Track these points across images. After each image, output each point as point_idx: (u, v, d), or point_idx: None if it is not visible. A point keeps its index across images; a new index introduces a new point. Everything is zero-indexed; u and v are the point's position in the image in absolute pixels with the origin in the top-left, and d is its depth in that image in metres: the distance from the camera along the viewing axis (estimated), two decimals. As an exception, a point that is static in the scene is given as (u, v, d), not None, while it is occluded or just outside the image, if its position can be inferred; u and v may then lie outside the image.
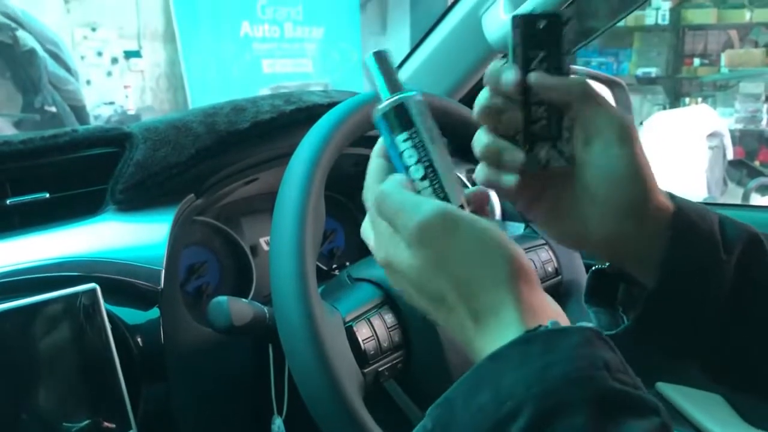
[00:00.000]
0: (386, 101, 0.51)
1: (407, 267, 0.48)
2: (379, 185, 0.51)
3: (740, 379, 0.56)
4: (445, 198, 0.50)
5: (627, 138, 0.50)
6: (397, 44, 9.99)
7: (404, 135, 0.50)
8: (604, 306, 0.59)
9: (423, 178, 0.50)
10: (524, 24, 0.51)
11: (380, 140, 0.54)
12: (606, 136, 0.50)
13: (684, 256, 0.51)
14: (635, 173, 0.51)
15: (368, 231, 0.53)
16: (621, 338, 0.55)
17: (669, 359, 0.56)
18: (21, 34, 4.95)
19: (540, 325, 0.43)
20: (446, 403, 0.43)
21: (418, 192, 0.50)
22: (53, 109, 5.25)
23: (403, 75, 1.27)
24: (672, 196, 0.54)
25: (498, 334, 0.44)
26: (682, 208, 0.53)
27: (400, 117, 0.51)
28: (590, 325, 0.43)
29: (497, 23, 1.07)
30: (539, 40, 0.51)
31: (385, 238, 0.50)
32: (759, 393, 0.57)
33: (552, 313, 0.45)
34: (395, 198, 0.49)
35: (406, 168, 0.50)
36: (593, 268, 0.60)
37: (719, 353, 0.54)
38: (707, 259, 0.52)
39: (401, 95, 0.51)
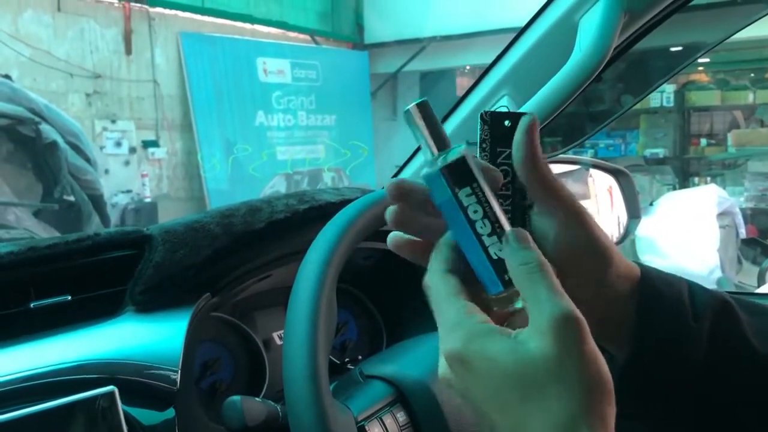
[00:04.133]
0: (444, 156, 0.49)
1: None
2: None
3: None
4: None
5: (578, 216, 0.51)
6: (407, 128, 10.14)
7: (467, 190, 0.48)
8: None
9: (491, 234, 0.48)
10: (492, 121, 0.53)
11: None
12: (559, 217, 0.51)
13: (652, 324, 0.51)
14: (591, 246, 0.51)
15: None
16: None
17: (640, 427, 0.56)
18: (44, 127, 5.12)
19: None
20: None
21: (486, 248, 0.48)
22: (72, 198, 5.36)
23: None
24: (640, 265, 0.54)
25: None
26: (647, 277, 0.53)
27: (463, 171, 0.48)
28: None
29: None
30: (506, 137, 0.52)
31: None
32: None
33: None
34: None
35: (472, 223, 0.48)
36: None
37: (701, 423, 0.53)
38: (676, 327, 0.51)
39: (458, 148, 0.49)
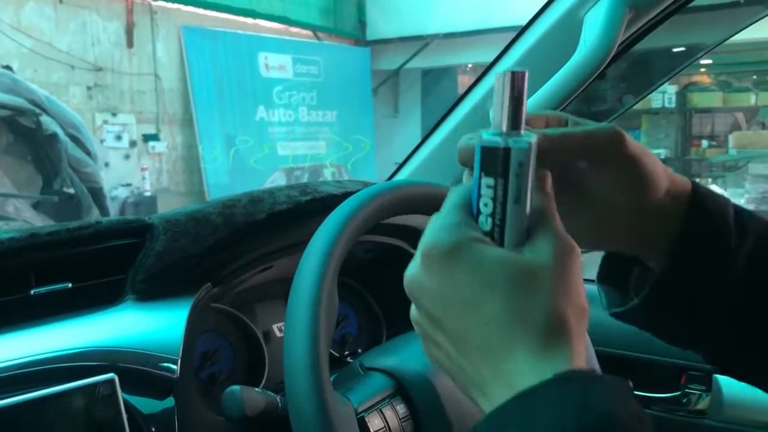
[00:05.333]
0: (494, 137, 0.45)
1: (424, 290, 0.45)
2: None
3: (747, 371, 0.56)
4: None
5: (627, 150, 0.50)
6: (408, 126, 10.21)
7: (490, 181, 0.45)
8: (614, 286, 0.58)
9: (487, 234, 0.45)
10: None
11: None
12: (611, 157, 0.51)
13: (693, 238, 0.52)
14: (644, 178, 0.51)
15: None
16: (626, 317, 0.56)
17: (673, 344, 0.56)
18: (44, 119, 5.11)
19: (577, 369, 0.41)
20: None
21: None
22: (71, 190, 5.35)
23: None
24: (691, 182, 0.54)
25: (527, 371, 0.41)
26: (697, 193, 0.53)
27: (495, 162, 0.45)
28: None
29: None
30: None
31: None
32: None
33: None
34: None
35: (478, 211, 0.46)
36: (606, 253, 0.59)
37: (724, 343, 0.54)
38: (717, 243, 0.52)
39: (513, 140, 0.45)
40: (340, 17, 9.44)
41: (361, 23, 9.56)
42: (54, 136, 5.14)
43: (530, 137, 0.45)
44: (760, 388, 0.56)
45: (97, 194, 5.57)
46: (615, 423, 0.37)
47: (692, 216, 0.52)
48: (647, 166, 0.51)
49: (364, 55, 9.57)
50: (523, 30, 1.14)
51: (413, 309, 0.48)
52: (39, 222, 5.06)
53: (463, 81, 9.91)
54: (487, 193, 0.45)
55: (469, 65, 9.72)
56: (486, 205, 0.45)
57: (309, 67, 8.86)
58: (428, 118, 9.49)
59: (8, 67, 5.53)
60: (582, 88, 1.04)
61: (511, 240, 0.45)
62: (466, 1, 7.96)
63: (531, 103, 1.10)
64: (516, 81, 0.45)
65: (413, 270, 0.46)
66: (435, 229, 0.46)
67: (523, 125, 0.46)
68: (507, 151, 0.44)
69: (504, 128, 0.45)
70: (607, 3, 1.01)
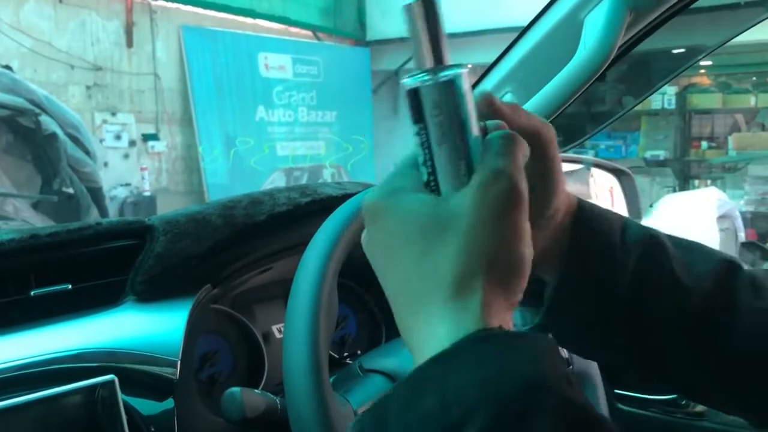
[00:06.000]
0: (411, 79, 0.41)
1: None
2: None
3: (648, 376, 0.57)
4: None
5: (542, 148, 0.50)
6: (407, 126, 10.19)
7: (416, 127, 0.41)
8: (530, 306, 0.58)
9: (426, 184, 0.42)
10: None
11: None
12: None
13: (581, 253, 0.52)
14: (552, 185, 0.51)
15: None
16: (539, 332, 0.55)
17: (583, 356, 0.56)
18: (44, 118, 5.12)
19: (495, 327, 0.38)
20: (379, 410, 0.37)
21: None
22: (71, 190, 5.35)
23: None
24: (577, 198, 0.54)
25: (442, 332, 0.39)
26: (583, 209, 0.54)
27: (415, 105, 0.41)
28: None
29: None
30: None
31: None
32: (668, 386, 0.56)
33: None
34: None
35: (418, 162, 0.43)
36: None
37: (623, 351, 0.54)
38: (604, 257, 0.52)
39: (428, 77, 0.40)
40: (340, 17, 9.43)
41: (361, 24, 9.55)
42: (53, 136, 5.14)
43: (451, 72, 0.40)
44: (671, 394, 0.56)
45: (96, 194, 5.57)
46: (541, 386, 0.35)
47: (578, 232, 0.53)
48: (557, 172, 0.51)
49: (364, 56, 9.57)
50: (523, 32, 1.14)
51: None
52: (38, 221, 5.06)
53: (463, 81, 9.94)
54: (417, 141, 0.41)
55: (469, 66, 9.71)
56: (419, 154, 0.42)
57: (309, 68, 8.85)
58: (428, 118, 9.51)
59: (8, 67, 5.52)
60: (582, 91, 1.04)
61: (445, 189, 0.41)
62: (464, 1, 7.96)
63: (531, 104, 1.10)
64: (429, 11, 0.40)
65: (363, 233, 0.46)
66: (378, 185, 0.45)
67: (446, 59, 0.41)
68: (416, 91, 0.40)
69: (428, 64, 0.41)
70: (607, 5, 1.01)
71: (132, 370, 0.79)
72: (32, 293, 0.84)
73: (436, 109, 0.40)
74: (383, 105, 10.07)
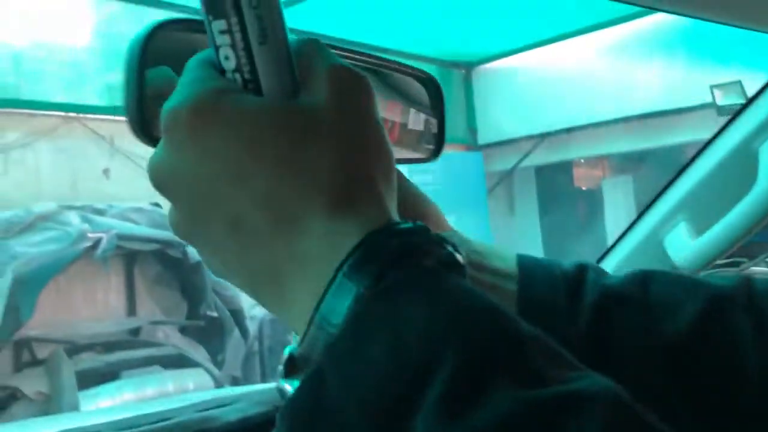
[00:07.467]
0: None
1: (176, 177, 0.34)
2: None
3: None
4: None
5: None
6: (526, 223, 10.15)
7: (221, 24, 0.33)
8: None
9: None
10: None
11: None
12: None
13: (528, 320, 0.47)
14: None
15: None
16: None
17: None
18: (190, 249, 5.49)
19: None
20: (316, 376, 0.28)
21: None
22: (215, 314, 5.64)
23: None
24: (518, 258, 0.48)
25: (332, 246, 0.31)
26: (525, 273, 0.46)
27: None
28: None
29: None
30: None
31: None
32: None
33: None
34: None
35: (222, 71, 0.35)
36: None
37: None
38: (549, 323, 0.46)
39: None
40: (452, 127, 9.73)
41: (471, 130, 9.80)
42: (199, 265, 5.48)
43: None
44: None
45: (237, 315, 5.83)
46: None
47: (522, 298, 0.45)
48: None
49: (477, 159, 9.74)
50: (693, 159, 1.17)
51: (169, 210, 0.36)
52: (186, 345, 5.36)
53: (578, 173, 9.86)
54: (222, 41, 0.34)
55: (582, 159, 9.69)
56: (227, 58, 0.34)
57: (425, 176, 9.10)
58: (545, 214, 9.47)
59: (157, 204, 6.02)
60: (764, 224, 1.05)
61: (273, 94, 0.34)
62: (571, 98, 8.03)
63: (711, 235, 1.11)
64: None
65: (156, 155, 0.34)
66: (172, 96, 0.34)
67: None
68: None
69: None
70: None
71: None
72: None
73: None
74: (499, 204, 10.14)
